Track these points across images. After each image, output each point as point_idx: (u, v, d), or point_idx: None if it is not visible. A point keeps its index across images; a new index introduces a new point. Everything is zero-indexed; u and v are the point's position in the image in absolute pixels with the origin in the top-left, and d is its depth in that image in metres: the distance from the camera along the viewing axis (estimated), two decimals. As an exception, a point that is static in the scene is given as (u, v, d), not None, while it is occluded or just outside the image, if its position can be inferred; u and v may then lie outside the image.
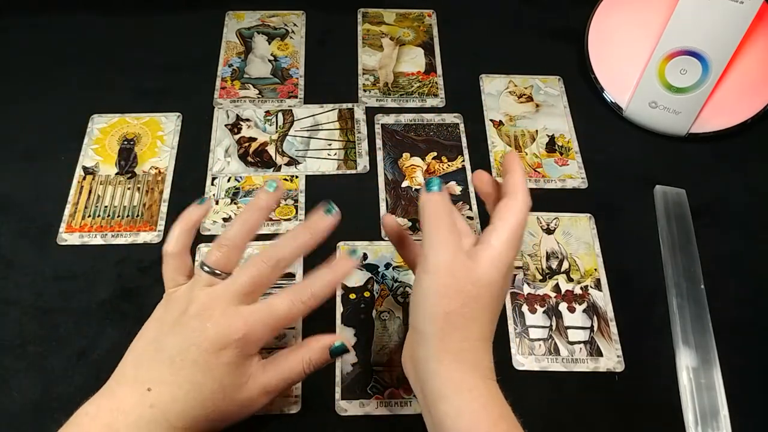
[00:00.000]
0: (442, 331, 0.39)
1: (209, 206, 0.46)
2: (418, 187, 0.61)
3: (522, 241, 0.42)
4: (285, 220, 0.58)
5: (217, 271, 0.42)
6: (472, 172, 0.61)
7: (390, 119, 0.65)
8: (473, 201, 0.60)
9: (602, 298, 0.55)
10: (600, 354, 0.52)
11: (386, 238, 0.57)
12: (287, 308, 0.41)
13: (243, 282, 0.41)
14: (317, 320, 0.53)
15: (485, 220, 0.59)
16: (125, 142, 0.63)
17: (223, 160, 0.62)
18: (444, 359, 0.39)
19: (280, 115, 0.65)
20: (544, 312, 0.54)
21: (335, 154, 0.63)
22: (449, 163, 0.62)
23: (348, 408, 0.49)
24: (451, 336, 0.39)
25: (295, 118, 0.65)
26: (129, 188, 0.60)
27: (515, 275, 0.56)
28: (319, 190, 0.60)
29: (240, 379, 0.40)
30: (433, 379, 0.39)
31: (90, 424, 0.37)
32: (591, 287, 0.55)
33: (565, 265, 0.57)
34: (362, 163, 0.62)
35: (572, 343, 0.53)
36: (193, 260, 0.55)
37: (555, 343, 0.53)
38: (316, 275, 0.42)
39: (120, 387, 0.39)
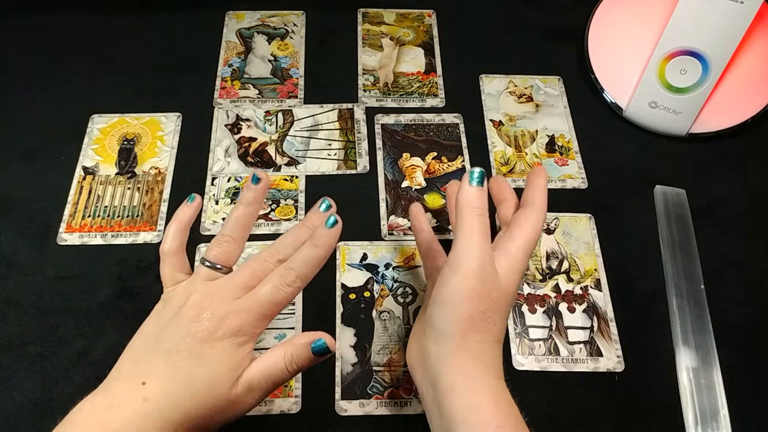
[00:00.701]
0: (463, 332, 0.40)
1: (199, 203, 0.48)
2: (418, 187, 0.61)
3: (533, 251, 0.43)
4: (285, 220, 0.58)
5: (218, 266, 0.43)
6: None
7: (390, 119, 0.65)
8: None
9: (602, 298, 0.55)
10: (600, 354, 0.52)
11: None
12: (272, 294, 0.40)
13: (244, 276, 0.42)
14: (318, 321, 0.53)
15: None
16: (125, 142, 0.63)
17: (223, 160, 0.62)
18: (461, 357, 0.40)
19: (280, 115, 0.65)
20: (544, 312, 0.54)
21: (335, 154, 0.63)
22: (449, 164, 0.62)
23: (348, 408, 0.49)
24: (470, 337, 0.40)
25: (295, 118, 0.65)
26: (129, 188, 0.60)
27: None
28: (319, 190, 0.60)
29: (232, 372, 0.40)
30: (447, 374, 0.40)
31: (84, 420, 0.37)
32: (591, 287, 0.55)
33: (565, 265, 0.57)
34: (362, 163, 0.62)
35: (572, 343, 0.53)
36: (192, 261, 0.56)
37: (555, 343, 0.53)
38: (298, 254, 0.42)
39: (115, 383, 0.39)
